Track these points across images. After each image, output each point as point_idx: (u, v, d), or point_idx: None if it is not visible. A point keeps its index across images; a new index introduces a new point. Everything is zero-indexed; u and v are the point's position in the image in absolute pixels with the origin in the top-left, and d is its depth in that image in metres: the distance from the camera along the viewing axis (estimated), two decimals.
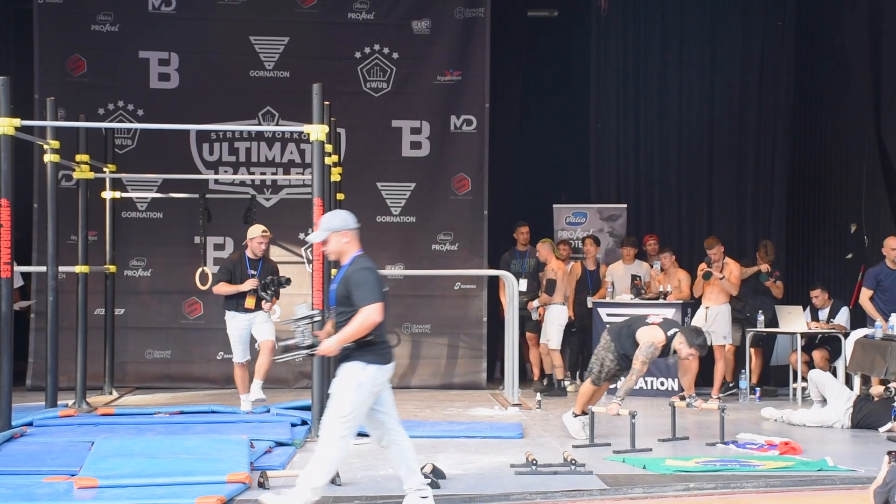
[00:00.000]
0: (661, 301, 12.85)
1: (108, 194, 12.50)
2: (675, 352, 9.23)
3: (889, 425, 9.87)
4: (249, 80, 13.60)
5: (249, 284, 10.65)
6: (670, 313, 12.68)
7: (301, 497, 6.61)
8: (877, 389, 10.50)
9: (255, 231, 10.84)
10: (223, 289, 10.74)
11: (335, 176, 11.48)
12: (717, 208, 14.89)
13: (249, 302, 10.68)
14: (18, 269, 11.90)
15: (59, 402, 10.67)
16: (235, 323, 10.76)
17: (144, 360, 13.44)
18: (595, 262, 13.81)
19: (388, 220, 13.72)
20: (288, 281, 10.86)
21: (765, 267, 13.04)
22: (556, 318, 12.97)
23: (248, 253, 10.81)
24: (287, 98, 13.33)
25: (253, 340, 10.77)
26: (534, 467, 7.84)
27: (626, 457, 8.57)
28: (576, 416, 9.59)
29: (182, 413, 10.28)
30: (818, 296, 12.65)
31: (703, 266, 12.76)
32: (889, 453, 6.36)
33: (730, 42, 14.91)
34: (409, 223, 13.71)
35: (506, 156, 15.00)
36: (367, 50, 13.71)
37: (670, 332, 9.26)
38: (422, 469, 7.36)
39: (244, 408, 10.54)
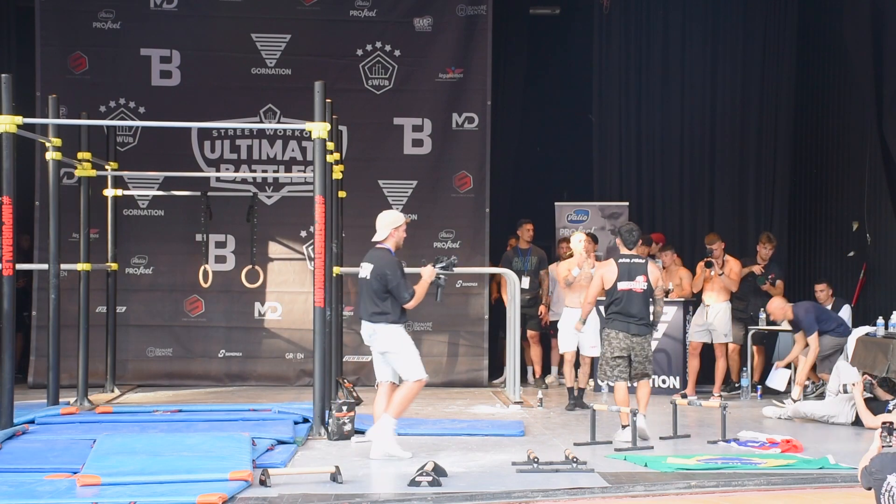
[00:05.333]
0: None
1: (109, 192, 12.52)
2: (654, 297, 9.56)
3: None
4: (251, 77, 13.59)
5: (431, 273, 8.65)
6: (671, 311, 12.71)
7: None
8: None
9: (400, 217, 8.73)
10: (421, 296, 8.61)
11: (337, 174, 11.47)
12: (719, 206, 14.89)
13: None
14: (20, 266, 11.92)
15: (60, 400, 10.67)
16: (407, 336, 8.73)
17: (146, 358, 13.43)
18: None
19: None
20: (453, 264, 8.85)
21: (757, 269, 12.93)
22: (594, 322, 11.37)
23: (393, 248, 8.66)
24: (289, 95, 13.34)
25: None
26: (535, 465, 7.83)
27: (627, 455, 8.57)
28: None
29: (181, 412, 10.29)
30: (823, 290, 12.63)
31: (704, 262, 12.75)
32: (883, 425, 5.86)
33: (731, 39, 14.92)
34: (411, 221, 13.67)
35: (507, 153, 15.01)
36: (369, 47, 13.70)
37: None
38: (423, 467, 7.38)
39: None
